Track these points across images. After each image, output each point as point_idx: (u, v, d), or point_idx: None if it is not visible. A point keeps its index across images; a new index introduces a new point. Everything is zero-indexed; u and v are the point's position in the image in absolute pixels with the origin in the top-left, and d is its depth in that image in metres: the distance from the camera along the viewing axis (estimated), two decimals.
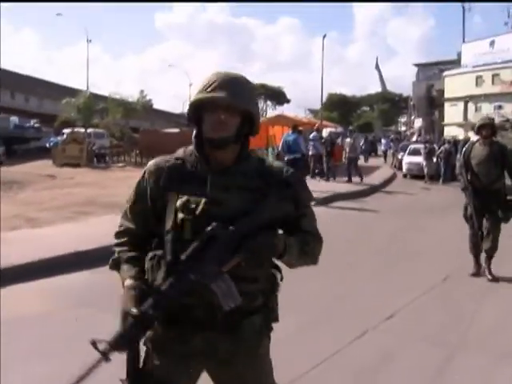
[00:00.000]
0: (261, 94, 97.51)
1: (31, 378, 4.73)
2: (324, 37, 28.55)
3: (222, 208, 2.38)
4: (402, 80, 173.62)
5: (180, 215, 2.38)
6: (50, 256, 8.45)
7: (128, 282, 2.39)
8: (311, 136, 24.29)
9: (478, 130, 8.32)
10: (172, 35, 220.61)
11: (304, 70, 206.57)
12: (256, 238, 2.29)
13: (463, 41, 73.72)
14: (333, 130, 34.25)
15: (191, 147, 2.55)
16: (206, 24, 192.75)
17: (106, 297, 4.96)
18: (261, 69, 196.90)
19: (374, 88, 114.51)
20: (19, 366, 4.91)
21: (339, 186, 20.96)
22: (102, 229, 8.94)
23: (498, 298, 7.51)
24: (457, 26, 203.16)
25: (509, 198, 8.28)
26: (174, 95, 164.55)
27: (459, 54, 72.83)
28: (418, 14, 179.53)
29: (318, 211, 9.80)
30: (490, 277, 8.17)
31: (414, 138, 62.88)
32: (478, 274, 8.39)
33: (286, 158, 17.70)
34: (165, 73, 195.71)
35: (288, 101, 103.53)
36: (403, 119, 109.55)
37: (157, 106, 53.95)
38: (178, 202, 2.39)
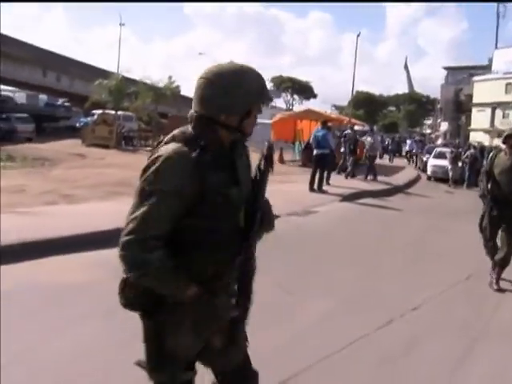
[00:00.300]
0: (288, 88, 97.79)
1: (78, 339, 5.09)
2: (358, 35, 28.44)
3: (246, 187, 2.64)
4: (430, 82, 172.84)
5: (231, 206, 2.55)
6: (88, 231, 8.84)
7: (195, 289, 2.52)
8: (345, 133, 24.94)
9: (505, 139, 7.99)
10: (201, 23, 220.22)
11: (332, 65, 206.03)
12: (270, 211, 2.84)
13: (496, 47, 73.53)
14: (360, 128, 34.48)
15: (196, 132, 2.57)
16: (235, 13, 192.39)
17: None
18: (289, 62, 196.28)
19: (401, 88, 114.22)
20: (66, 329, 5.29)
21: (362, 183, 21.17)
22: None
23: None
24: (489, 31, 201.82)
25: None
26: None
27: (490, 60, 72.64)
28: (450, 16, 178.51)
29: (347, 206, 10.33)
30: (495, 287, 8.08)
31: (439, 141, 62.87)
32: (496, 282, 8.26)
33: (314, 153, 18.03)
34: (192, 60, 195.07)
35: (315, 96, 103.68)
36: (429, 121, 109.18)
37: (184, 92, 54.19)
38: (231, 194, 2.53)
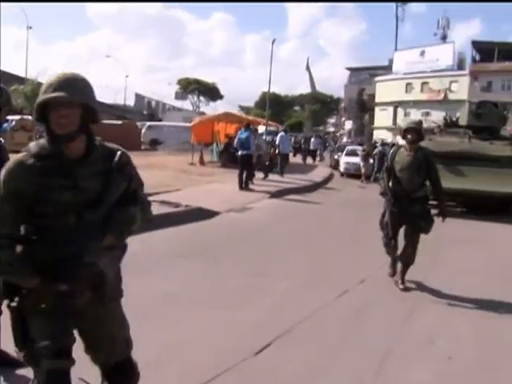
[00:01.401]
0: (194, 90, 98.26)
1: None
2: (273, 42, 29.59)
3: (88, 194, 2.85)
4: (332, 81, 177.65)
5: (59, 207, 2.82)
6: None
7: None
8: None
9: (404, 133, 7.86)
10: (103, 24, 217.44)
11: (236, 66, 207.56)
12: (118, 215, 2.90)
13: (395, 48, 76.91)
14: (273, 128, 35.93)
15: (43, 141, 2.86)
16: (136, 14, 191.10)
17: None
18: (192, 63, 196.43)
19: (305, 88, 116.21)
20: None
21: (283, 181, 22.47)
22: None
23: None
24: (387, 33, 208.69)
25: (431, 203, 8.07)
26: (106, 85, 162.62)
27: (391, 61, 75.93)
28: (350, 17, 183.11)
29: (276, 202, 11.83)
30: (401, 286, 7.92)
31: (345, 139, 65.44)
32: (393, 274, 8.30)
33: (239, 154, 19.19)
34: (95, 62, 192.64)
35: (221, 97, 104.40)
36: (332, 120, 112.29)
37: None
38: (62, 198, 2.81)
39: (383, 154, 27.15)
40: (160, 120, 71.58)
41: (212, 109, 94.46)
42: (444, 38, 72.42)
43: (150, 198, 11.77)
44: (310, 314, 6.52)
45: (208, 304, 6.78)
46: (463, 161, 16.63)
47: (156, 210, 12.15)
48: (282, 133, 27.68)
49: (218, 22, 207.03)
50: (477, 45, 68.60)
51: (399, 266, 8.18)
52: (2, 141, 4.62)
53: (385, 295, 7.68)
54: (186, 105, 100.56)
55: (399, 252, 8.10)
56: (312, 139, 43.42)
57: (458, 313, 7.04)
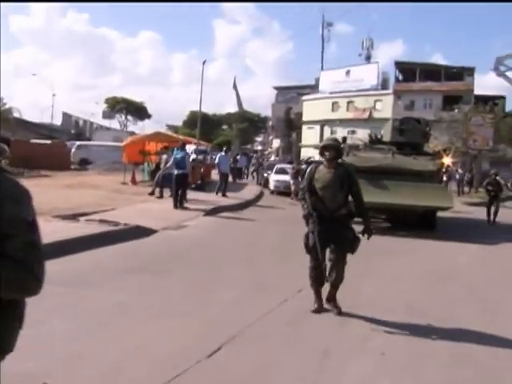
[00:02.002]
0: (122, 109, 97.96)
1: None
2: (204, 63, 30.10)
3: None
4: (260, 100, 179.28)
5: None
6: None
7: None
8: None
9: (322, 149, 7.55)
10: (28, 41, 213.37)
11: (163, 85, 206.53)
12: None
13: (322, 68, 78.78)
14: (204, 147, 36.47)
15: None
16: (63, 32, 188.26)
17: None
18: (119, 82, 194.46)
19: (232, 107, 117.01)
20: None
21: (216, 199, 22.89)
22: None
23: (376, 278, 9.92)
24: (314, 52, 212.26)
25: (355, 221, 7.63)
26: (32, 104, 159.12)
27: (317, 80, 77.66)
28: (276, 36, 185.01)
29: (211, 220, 12.54)
30: (336, 310, 7.58)
31: (273, 158, 66.40)
32: (319, 310, 7.65)
33: (175, 173, 19.53)
34: (21, 80, 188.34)
35: (149, 116, 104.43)
36: (259, 138, 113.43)
37: (18, 114, 53.90)
38: None
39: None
40: (89, 139, 70.97)
41: (140, 128, 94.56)
42: (368, 59, 74.60)
43: (89, 217, 12.18)
44: (255, 320, 7.05)
45: (159, 313, 7.25)
46: (387, 175, 16.95)
47: (96, 228, 12.59)
48: (222, 152, 28.03)
49: (145, 40, 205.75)
50: (399, 65, 71.03)
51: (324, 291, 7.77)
52: None
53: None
54: (114, 124, 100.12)
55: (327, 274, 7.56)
56: (238, 157, 43.91)
57: (388, 315, 7.69)
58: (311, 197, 7.47)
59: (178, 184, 19.22)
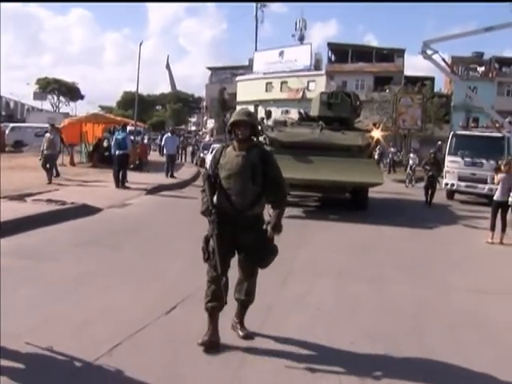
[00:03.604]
0: (54, 90, 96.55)
1: None
2: (140, 44, 30.38)
3: None
4: (193, 80, 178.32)
5: None
6: None
7: None
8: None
9: (231, 128, 5.77)
10: None
11: (95, 65, 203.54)
12: None
13: (255, 49, 79.35)
14: (141, 128, 36.82)
15: None
16: None
17: None
18: (50, 61, 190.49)
19: (165, 87, 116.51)
20: None
21: (153, 179, 23.39)
22: None
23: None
24: (248, 32, 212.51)
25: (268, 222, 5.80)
26: None
27: (251, 61, 78.19)
28: (210, 16, 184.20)
29: (153, 198, 13.48)
30: (241, 333, 6.01)
31: (207, 138, 66.90)
32: (210, 344, 5.66)
33: (116, 153, 20.04)
34: None
35: (82, 97, 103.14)
36: (193, 119, 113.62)
37: None
38: None
39: None
40: (21, 121, 69.92)
41: (72, 109, 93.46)
42: (301, 39, 75.51)
43: (35, 198, 12.75)
44: (204, 283, 7.74)
45: (117, 280, 8.06)
46: (314, 151, 16.33)
47: (44, 207, 13.16)
48: (169, 134, 28.18)
49: (76, 18, 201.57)
50: (332, 46, 72.12)
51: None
52: None
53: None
54: (46, 105, 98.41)
55: (233, 291, 5.92)
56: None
57: (322, 277, 8.69)
58: (213, 189, 5.70)
59: (120, 164, 19.78)
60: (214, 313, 5.72)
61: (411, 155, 33.03)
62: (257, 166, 5.66)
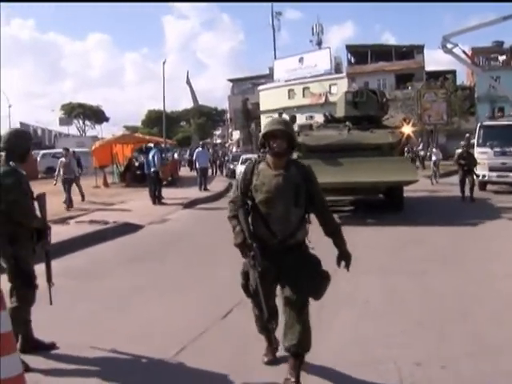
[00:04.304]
0: (79, 114, 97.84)
1: None
2: (164, 62, 30.96)
3: None
4: (215, 93, 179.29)
5: None
6: None
7: None
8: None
9: (265, 140, 4.90)
10: None
11: (116, 86, 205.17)
12: None
13: (275, 57, 79.98)
14: (169, 146, 37.39)
15: None
16: (8, 39, 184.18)
17: None
18: (71, 87, 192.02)
19: (187, 102, 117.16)
20: None
21: (187, 193, 23.81)
22: None
23: None
24: (266, 40, 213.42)
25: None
26: None
27: (271, 69, 78.75)
28: (226, 28, 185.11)
29: (190, 212, 14.12)
30: None
31: (234, 149, 67.35)
32: (272, 361, 5.36)
33: (152, 170, 20.60)
34: None
35: (107, 119, 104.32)
36: (218, 132, 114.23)
37: None
38: None
39: None
40: (49, 147, 70.93)
41: (98, 132, 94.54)
42: (319, 44, 75.88)
43: (77, 220, 13.13)
44: (209, 326, 6.87)
45: (169, 291, 8.38)
46: (343, 153, 15.54)
47: (88, 228, 13.57)
48: (200, 148, 28.69)
49: (94, 42, 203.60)
50: (351, 48, 72.23)
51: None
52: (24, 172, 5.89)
53: None
54: (72, 130, 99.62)
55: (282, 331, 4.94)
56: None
57: (367, 274, 8.89)
58: (248, 215, 4.88)
59: (153, 181, 20.30)
60: (269, 335, 5.30)
61: (434, 150, 31.50)
62: (300, 185, 4.80)
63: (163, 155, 26.66)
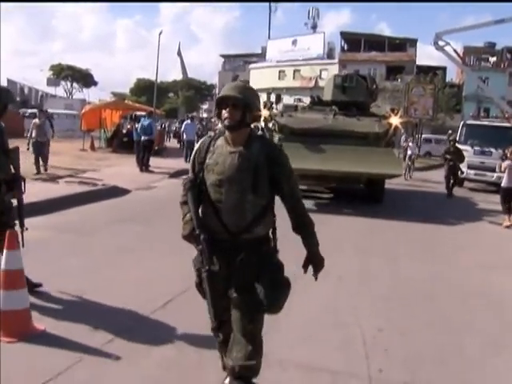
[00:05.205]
0: (68, 76, 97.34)
1: None
2: (160, 33, 31.16)
3: None
4: (205, 67, 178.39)
5: None
6: None
7: None
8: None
9: (218, 109, 3.88)
10: None
11: (107, 52, 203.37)
12: None
13: (269, 37, 79.91)
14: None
15: None
16: None
17: None
18: (61, 48, 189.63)
19: (177, 74, 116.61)
20: None
21: (172, 163, 24.02)
22: None
23: None
24: (261, 20, 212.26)
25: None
26: None
27: (264, 49, 78.87)
28: (223, 4, 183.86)
29: (176, 182, 14.61)
30: None
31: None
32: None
33: (142, 139, 21.04)
34: None
35: (96, 83, 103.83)
36: (205, 106, 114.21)
37: None
38: None
39: None
40: (34, 107, 70.72)
41: (85, 95, 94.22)
42: (314, 28, 75.95)
43: (66, 179, 13.67)
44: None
45: (157, 252, 8.94)
46: (327, 139, 14.84)
47: (78, 188, 14.09)
48: (188, 121, 28.88)
49: (88, 5, 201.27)
50: (345, 35, 72.65)
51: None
52: (3, 125, 6.33)
53: None
54: (59, 91, 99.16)
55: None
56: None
57: (341, 252, 9.59)
58: (198, 201, 3.94)
59: (144, 149, 20.76)
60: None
61: (410, 144, 29.39)
62: (260, 167, 3.79)
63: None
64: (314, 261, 4.05)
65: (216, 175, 3.82)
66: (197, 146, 4.11)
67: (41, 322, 5.51)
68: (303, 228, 4.01)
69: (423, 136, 45.93)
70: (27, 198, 6.38)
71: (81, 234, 9.91)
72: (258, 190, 3.79)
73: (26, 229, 6.01)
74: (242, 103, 3.76)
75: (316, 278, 4.10)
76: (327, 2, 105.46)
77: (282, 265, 3.95)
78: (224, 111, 3.79)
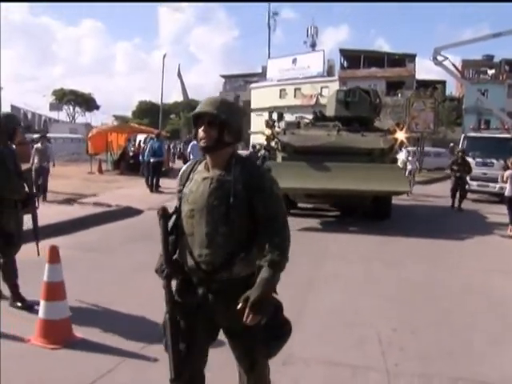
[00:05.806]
0: (70, 100, 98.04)
1: None
2: (164, 56, 31.77)
3: None
4: (205, 88, 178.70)
5: None
6: None
7: None
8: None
9: (194, 127, 3.39)
10: None
11: (107, 75, 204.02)
12: None
13: (269, 56, 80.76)
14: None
15: None
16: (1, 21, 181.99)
17: None
18: (62, 72, 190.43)
19: (177, 95, 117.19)
20: None
21: None
22: None
23: None
24: (259, 40, 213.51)
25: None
26: None
27: (264, 68, 79.53)
28: (222, 23, 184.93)
29: None
30: None
31: None
32: None
33: (152, 160, 21.59)
34: None
35: (98, 107, 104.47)
36: None
37: None
38: None
39: (264, 158, 26.47)
40: (37, 132, 71.35)
41: (87, 119, 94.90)
42: (313, 46, 76.75)
43: (80, 201, 14.21)
44: None
45: None
46: (331, 156, 14.31)
47: (93, 210, 14.56)
48: (194, 141, 29.06)
49: (87, 29, 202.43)
50: (344, 52, 73.42)
51: None
52: (15, 147, 6.93)
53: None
54: (61, 116, 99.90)
55: None
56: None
57: (349, 262, 9.99)
58: (169, 232, 3.48)
59: (154, 170, 21.26)
60: None
61: (410, 159, 27.76)
62: (237, 195, 3.22)
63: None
64: (259, 304, 3.08)
65: (189, 205, 3.34)
66: (180, 171, 3.62)
67: (78, 331, 5.93)
68: (272, 258, 3.14)
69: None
70: (48, 219, 6.90)
71: (101, 252, 10.41)
72: (232, 222, 3.22)
73: (40, 240, 6.90)
74: (219, 120, 3.26)
75: (252, 319, 3.09)
76: (327, 2, 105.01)
77: (280, 305, 3.37)
78: (200, 130, 3.31)
